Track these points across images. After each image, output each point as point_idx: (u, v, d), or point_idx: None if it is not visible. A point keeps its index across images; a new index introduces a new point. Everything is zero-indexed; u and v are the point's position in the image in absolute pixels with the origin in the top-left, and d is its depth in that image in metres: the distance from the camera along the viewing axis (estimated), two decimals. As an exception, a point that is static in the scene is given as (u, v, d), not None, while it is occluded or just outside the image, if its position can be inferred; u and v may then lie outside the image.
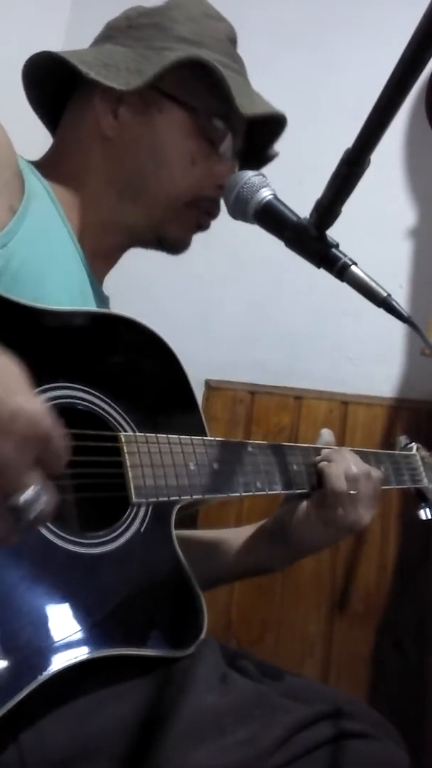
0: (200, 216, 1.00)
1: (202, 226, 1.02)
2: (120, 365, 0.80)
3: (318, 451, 0.95)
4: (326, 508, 0.89)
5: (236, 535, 1.00)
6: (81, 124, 0.97)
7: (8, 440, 0.51)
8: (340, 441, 1.71)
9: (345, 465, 0.90)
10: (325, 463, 0.91)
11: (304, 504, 0.91)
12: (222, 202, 0.91)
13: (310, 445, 0.95)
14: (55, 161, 0.97)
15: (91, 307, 0.95)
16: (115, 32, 0.98)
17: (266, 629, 1.70)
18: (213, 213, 1.01)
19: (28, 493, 0.52)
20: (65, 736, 0.63)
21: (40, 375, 0.70)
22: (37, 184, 0.90)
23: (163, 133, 0.95)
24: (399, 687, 1.64)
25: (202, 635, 0.75)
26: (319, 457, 0.93)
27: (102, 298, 1.01)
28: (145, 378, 0.83)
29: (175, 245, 1.02)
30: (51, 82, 0.98)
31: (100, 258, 0.99)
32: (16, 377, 0.54)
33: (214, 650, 0.76)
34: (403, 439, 1.14)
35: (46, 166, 0.95)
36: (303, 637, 1.69)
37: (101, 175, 0.96)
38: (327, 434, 1.00)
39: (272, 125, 1.03)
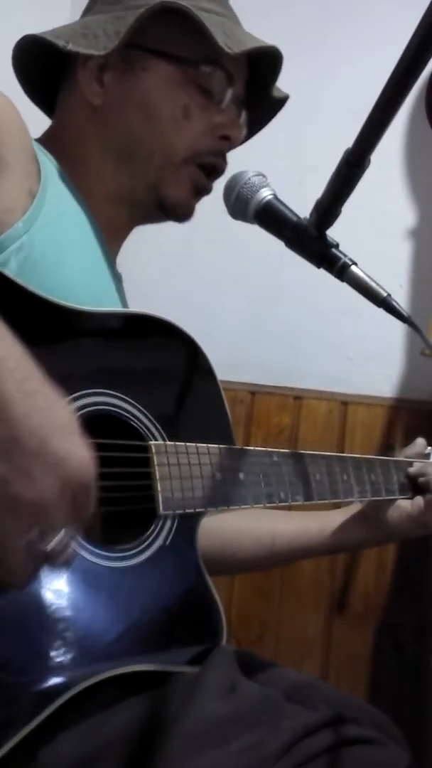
0: (198, 176, 0.96)
1: (205, 188, 0.97)
2: (151, 368, 0.79)
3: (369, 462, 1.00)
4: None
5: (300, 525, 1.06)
6: (71, 100, 0.95)
7: (57, 479, 0.52)
8: (340, 441, 1.74)
9: None
10: (426, 478, 1.02)
11: (407, 504, 1.01)
12: (226, 193, 0.87)
13: (383, 458, 1.02)
14: (54, 141, 0.95)
15: (109, 293, 0.94)
16: (92, 3, 0.97)
17: (266, 630, 1.70)
18: (219, 169, 0.97)
19: (58, 540, 0.53)
20: (76, 744, 0.63)
21: (74, 381, 0.69)
22: (49, 165, 0.89)
23: (149, 89, 0.92)
24: (398, 687, 1.64)
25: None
26: (413, 470, 1.03)
27: (117, 277, 1.00)
28: (175, 381, 0.82)
29: (174, 208, 0.97)
30: (43, 69, 0.97)
31: (111, 235, 0.97)
32: (69, 419, 0.55)
33: (227, 657, 0.75)
34: None
35: (48, 145, 0.93)
36: (302, 638, 1.69)
37: (97, 146, 0.94)
38: (420, 445, 1.09)
39: (275, 64, 0.97)
